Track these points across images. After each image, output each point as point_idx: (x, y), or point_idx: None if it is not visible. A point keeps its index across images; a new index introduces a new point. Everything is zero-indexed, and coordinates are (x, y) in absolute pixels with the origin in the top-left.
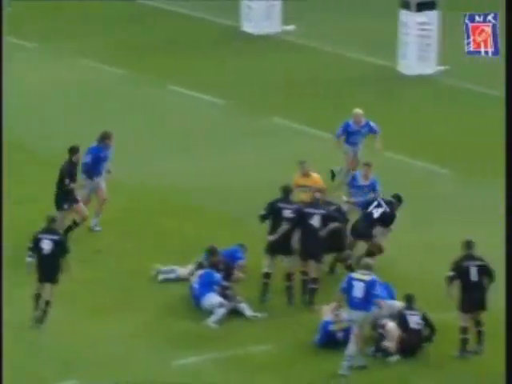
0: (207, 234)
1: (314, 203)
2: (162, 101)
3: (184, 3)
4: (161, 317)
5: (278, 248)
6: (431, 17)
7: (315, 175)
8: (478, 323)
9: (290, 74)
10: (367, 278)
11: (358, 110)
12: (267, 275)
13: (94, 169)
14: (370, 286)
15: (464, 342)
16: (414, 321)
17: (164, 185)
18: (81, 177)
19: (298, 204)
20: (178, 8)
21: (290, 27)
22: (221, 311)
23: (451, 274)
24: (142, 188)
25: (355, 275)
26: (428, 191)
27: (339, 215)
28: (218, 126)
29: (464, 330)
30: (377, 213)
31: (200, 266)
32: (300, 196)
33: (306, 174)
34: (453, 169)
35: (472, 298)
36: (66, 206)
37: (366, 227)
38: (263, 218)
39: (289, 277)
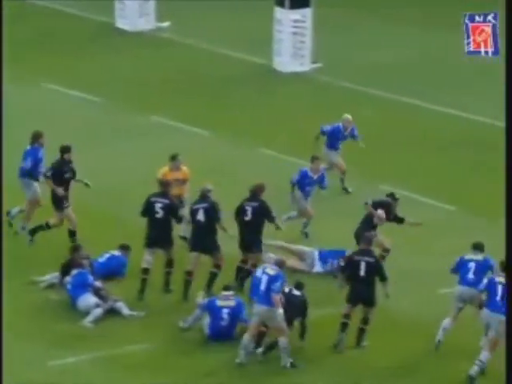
0: (89, 234)
1: (200, 198)
2: (37, 99)
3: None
4: (37, 318)
5: (156, 241)
6: (305, 14)
7: (184, 168)
8: (364, 321)
9: (166, 71)
10: (272, 272)
11: (349, 116)
12: (146, 271)
13: (35, 171)
14: (271, 280)
15: (343, 326)
16: (287, 288)
17: None
18: (22, 180)
19: (171, 198)
20: (51, 4)
21: (165, 24)
22: (97, 311)
23: (342, 264)
24: (20, 189)
25: (266, 269)
26: None
27: (216, 207)
28: (95, 125)
29: (345, 316)
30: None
31: (64, 266)
32: (172, 190)
33: (177, 168)
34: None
35: (357, 292)
36: (66, 204)
37: (362, 229)
38: (142, 213)
39: (169, 263)
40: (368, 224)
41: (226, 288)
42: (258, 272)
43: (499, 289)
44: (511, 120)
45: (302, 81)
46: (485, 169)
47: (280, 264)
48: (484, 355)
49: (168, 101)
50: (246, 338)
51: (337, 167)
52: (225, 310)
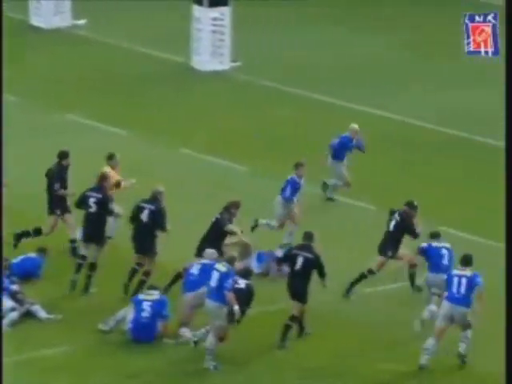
0: (8, 236)
1: (150, 198)
2: None
3: None
4: None
5: (90, 236)
6: (224, 12)
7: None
8: (292, 318)
9: (83, 69)
10: (224, 269)
11: (355, 126)
12: (83, 257)
13: None
14: (224, 277)
15: (297, 323)
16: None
17: None
18: None
19: (105, 192)
20: None
21: (81, 22)
22: (13, 315)
23: (281, 257)
24: None
25: (215, 265)
26: (224, 187)
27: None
28: (10, 124)
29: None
30: (391, 226)
31: None
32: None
33: (115, 167)
34: (249, 164)
35: (291, 286)
36: (58, 212)
37: (382, 244)
38: (76, 204)
39: (92, 266)
40: (392, 237)
41: (152, 287)
42: (194, 268)
43: (455, 281)
44: (511, 124)
45: (222, 79)
46: (412, 168)
47: (231, 261)
48: (467, 333)
49: (85, 99)
50: (210, 339)
51: (340, 179)
52: (147, 303)
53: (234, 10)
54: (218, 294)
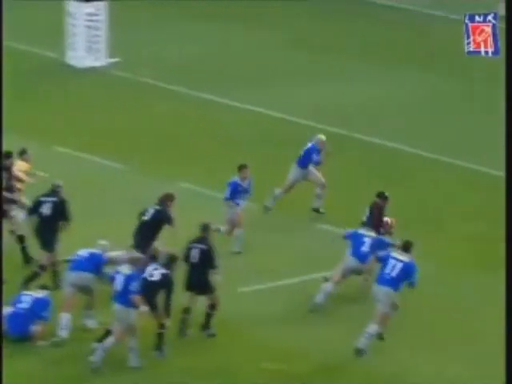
0: None
1: (50, 192)
2: None
3: None
4: None
5: None
6: (99, 8)
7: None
8: (211, 306)
9: None
10: (129, 272)
11: (322, 137)
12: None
13: None
14: (128, 279)
15: (183, 321)
16: (149, 272)
17: None
18: None
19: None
20: None
21: None
22: None
23: (182, 253)
24: None
25: (121, 268)
26: (100, 185)
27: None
28: None
29: (185, 311)
30: (364, 217)
31: None
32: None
33: (27, 162)
34: (125, 162)
35: (189, 278)
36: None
37: None
38: None
39: None
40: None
41: (43, 286)
42: (83, 251)
43: (391, 263)
44: (511, 122)
45: (98, 76)
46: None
47: (134, 262)
48: (372, 328)
49: None
50: (111, 341)
51: (287, 185)
52: (27, 297)
53: (110, 6)
54: (124, 297)
